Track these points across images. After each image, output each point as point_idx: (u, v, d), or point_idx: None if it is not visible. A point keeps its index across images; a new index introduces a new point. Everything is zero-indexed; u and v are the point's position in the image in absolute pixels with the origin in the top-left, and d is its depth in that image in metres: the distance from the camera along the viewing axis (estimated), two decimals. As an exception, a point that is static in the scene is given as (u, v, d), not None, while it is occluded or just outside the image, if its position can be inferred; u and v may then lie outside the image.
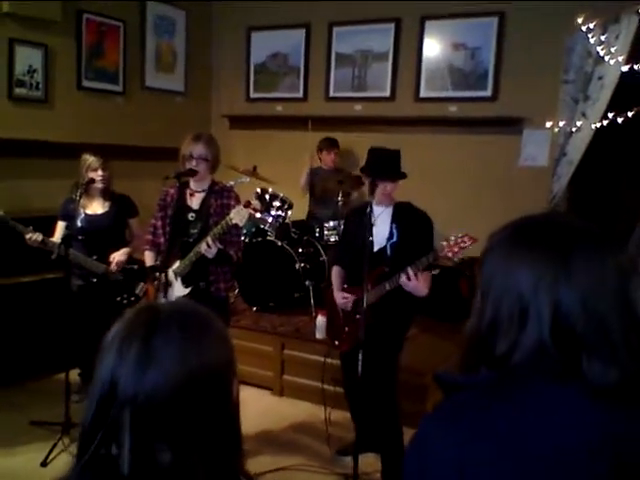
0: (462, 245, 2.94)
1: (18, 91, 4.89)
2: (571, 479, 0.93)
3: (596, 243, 1.01)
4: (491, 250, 1.07)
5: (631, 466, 0.93)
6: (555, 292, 0.97)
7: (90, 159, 3.94)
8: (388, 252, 3.21)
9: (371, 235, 3.19)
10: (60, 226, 4.01)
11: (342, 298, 3.39)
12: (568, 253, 0.98)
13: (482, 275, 1.07)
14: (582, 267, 0.97)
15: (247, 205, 3.21)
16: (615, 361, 0.95)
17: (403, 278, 2.98)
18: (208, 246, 3.18)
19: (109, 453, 0.96)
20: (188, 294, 3.40)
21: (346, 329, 3.39)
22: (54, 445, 3.53)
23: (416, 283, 2.98)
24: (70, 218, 3.93)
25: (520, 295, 0.99)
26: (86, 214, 3.99)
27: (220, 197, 3.43)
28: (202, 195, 3.45)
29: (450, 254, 2.96)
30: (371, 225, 3.18)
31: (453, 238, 2.97)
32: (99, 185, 3.98)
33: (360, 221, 3.20)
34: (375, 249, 3.21)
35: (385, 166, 3.22)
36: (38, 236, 3.75)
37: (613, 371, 0.94)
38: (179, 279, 3.43)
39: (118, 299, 4.09)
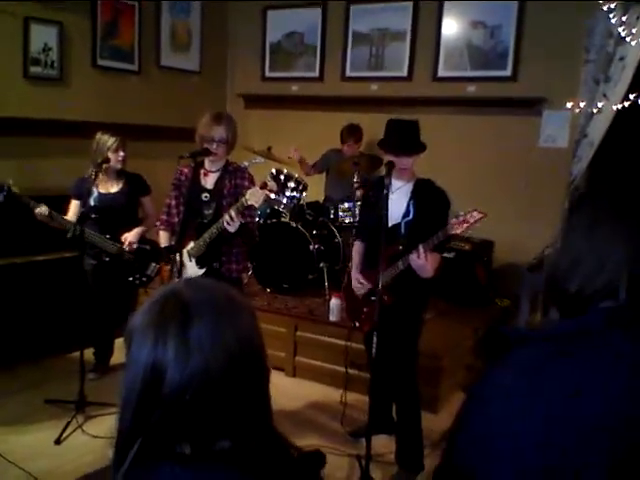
0: (471, 220, 2.89)
1: (33, 70, 4.87)
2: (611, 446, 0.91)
3: None
4: (581, 202, 1.10)
5: None
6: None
7: (111, 139, 3.93)
8: (402, 230, 3.14)
9: (386, 210, 3.14)
10: (74, 204, 4.02)
11: (358, 282, 3.36)
12: None
13: (567, 220, 1.09)
14: None
15: (263, 187, 3.18)
16: None
17: (413, 255, 2.94)
18: (231, 218, 3.15)
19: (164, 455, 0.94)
20: (202, 275, 3.40)
21: (365, 309, 3.37)
22: (68, 423, 3.56)
23: (424, 262, 2.92)
24: (83, 197, 3.93)
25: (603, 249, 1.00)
26: (99, 193, 3.99)
27: (234, 177, 3.41)
28: (216, 175, 3.43)
29: (459, 230, 2.91)
30: (387, 200, 3.12)
31: (462, 214, 2.93)
32: (118, 165, 3.98)
33: (378, 194, 3.14)
34: (389, 225, 3.13)
35: (401, 140, 3.14)
36: (45, 210, 3.75)
37: None
38: (193, 260, 3.42)
39: (130, 279, 4.09)
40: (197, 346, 0.93)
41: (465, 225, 2.90)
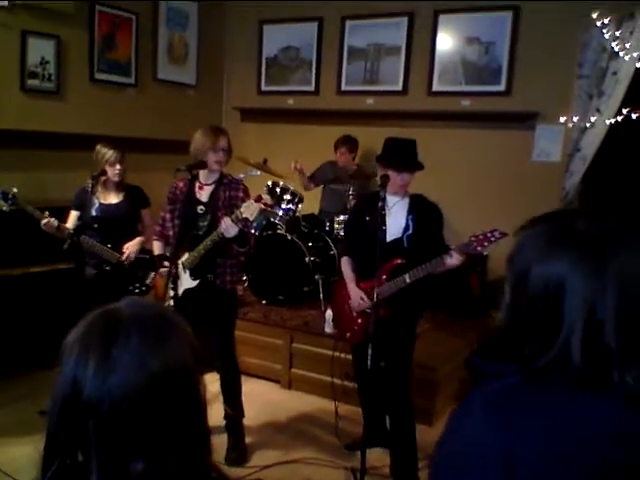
0: (492, 239, 2.93)
1: (30, 82, 4.90)
2: None
3: (632, 246, 0.98)
4: (523, 246, 1.05)
5: None
6: (589, 300, 0.95)
7: (109, 152, 3.94)
8: (405, 243, 3.19)
9: (384, 225, 3.17)
10: (73, 215, 4.04)
11: (360, 298, 3.30)
12: (603, 258, 0.96)
13: (513, 270, 1.06)
14: (618, 270, 0.95)
15: (258, 200, 3.19)
16: None
17: (447, 260, 2.99)
18: (229, 224, 3.15)
19: (77, 463, 0.95)
20: (196, 286, 3.41)
21: (358, 321, 3.37)
22: (62, 435, 3.53)
23: (458, 260, 3.01)
24: (83, 208, 3.95)
25: (555, 296, 0.97)
26: (101, 203, 4.02)
27: (229, 189, 3.43)
28: (211, 188, 3.45)
29: (479, 248, 2.96)
30: (384, 215, 3.16)
31: (481, 232, 2.96)
32: (116, 178, 4.00)
33: (372, 210, 3.18)
34: (388, 239, 3.18)
35: (403, 156, 3.20)
36: (54, 222, 3.76)
37: None
38: (187, 271, 3.43)
39: (130, 288, 4.10)
40: (118, 363, 0.94)
41: (486, 243, 2.95)
